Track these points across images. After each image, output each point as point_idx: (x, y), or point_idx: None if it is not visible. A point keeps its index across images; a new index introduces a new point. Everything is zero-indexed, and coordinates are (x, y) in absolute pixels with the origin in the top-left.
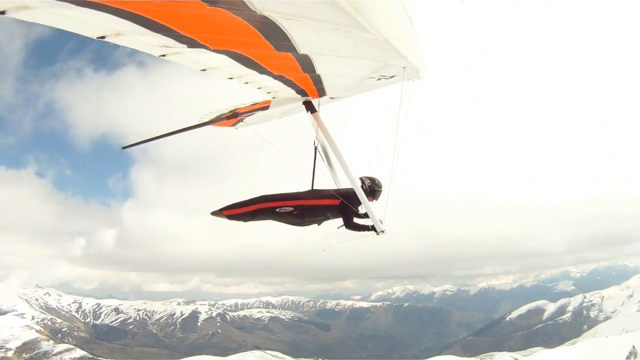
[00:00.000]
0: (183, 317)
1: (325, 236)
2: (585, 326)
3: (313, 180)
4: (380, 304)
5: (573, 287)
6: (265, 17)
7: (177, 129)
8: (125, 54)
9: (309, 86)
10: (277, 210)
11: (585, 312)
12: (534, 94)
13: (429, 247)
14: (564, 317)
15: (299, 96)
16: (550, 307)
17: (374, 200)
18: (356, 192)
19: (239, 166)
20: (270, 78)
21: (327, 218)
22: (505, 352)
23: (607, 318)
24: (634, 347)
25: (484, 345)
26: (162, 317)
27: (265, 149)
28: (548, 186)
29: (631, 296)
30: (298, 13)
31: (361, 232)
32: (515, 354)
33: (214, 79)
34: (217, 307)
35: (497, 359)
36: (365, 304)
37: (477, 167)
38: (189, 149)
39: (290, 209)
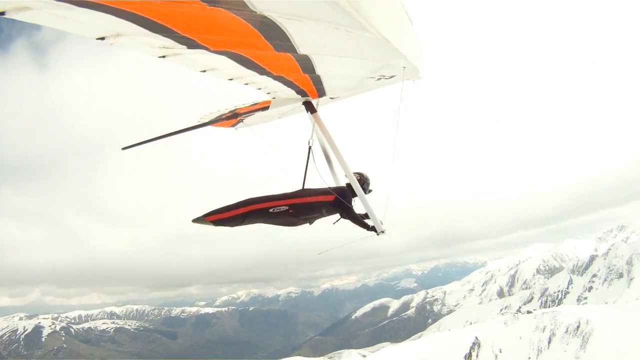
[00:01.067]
0: (26, 332)
1: (164, 242)
2: (430, 320)
3: (304, 180)
4: (226, 309)
5: (415, 284)
6: (265, 17)
7: (177, 130)
8: None
9: (308, 86)
10: (271, 210)
11: (428, 307)
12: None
13: (271, 250)
14: (408, 312)
15: (299, 96)
16: (394, 304)
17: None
18: (356, 191)
19: (77, 170)
20: (270, 79)
21: (323, 215)
22: (352, 350)
23: (450, 311)
24: (476, 338)
25: (332, 344)
26: (4, 334)
27: (106, 151)
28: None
29: (472, 290)
30: (298, 13)
31: (362, 230)
32: (362, 351)
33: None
34: (60, 320)
35: (345, 357)
36: (210, 310)
37: None
38: (24, 151)
39: (285, 208)
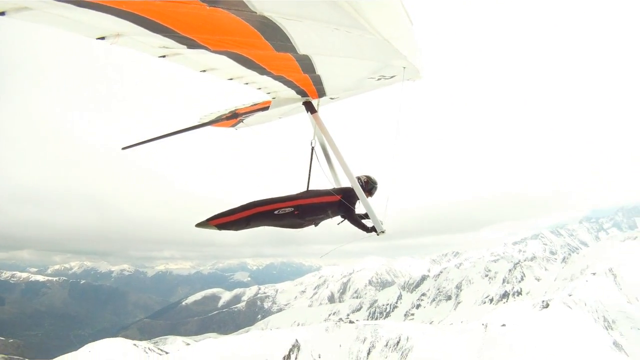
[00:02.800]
0: None
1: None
2: (260, 316)
3: (309, 181)
4: (57, 278)
5: (249, 279)
6: (265, 17)
7: (177, 130)
8: None
9: (309, 87)
10: (276, 212)
11: (259, 302)
12: None
13: (109, 224)
14: (238, 306)
15: (299, 97)
16: (226, 295)
17: (369, 197)
18: (356, 191)
19: None
20: (270, 79)
21: (328, 216)
22: (178, 337)
23: (280, 310)
24: (297, 340)
25: (160, 328)
26: None
27: None
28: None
29: (304, 292)
30: (298, 13)
31: (362, 231)
32: (188, 339)
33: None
34: None
35: (170, 343)
36: (41, 278)
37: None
38: None
39: (291, 209)
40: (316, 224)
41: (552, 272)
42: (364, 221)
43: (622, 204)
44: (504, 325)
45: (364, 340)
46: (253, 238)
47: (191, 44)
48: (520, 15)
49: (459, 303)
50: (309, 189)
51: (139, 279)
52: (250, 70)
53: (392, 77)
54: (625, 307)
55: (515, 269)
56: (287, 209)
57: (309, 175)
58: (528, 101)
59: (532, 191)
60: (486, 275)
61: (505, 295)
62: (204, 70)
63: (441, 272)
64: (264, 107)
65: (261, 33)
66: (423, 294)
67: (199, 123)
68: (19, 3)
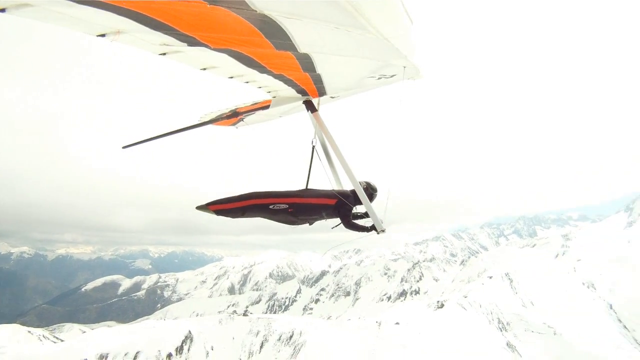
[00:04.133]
0: None
1: None
2: (159, 305)
3: (308, 180)
4: None
5: (150, 266)
6: (266, 16)
7: (177, 129)
8: None
9: (309, 85)
10: (271, 207)
11: (159, 291)
12: None
13: (10, 203)
14: (138, 294)
15: (299, 95)
16: (126, 283)
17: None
18: (357, 191)
19: None
20: (270, 77)
21: (322, 218)
22: (75, 324)
23: (179, 299)
24: (190, 332)
25: (59, 314)
26: None
27: None
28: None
29: (204, 282)
30: (298, 12)
31: (360, 233)
32: (85, 327)
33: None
34: None
35: (67, 330)
36: None
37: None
38: None
39: (285, 206)
40: (310, 223)
41: (451, 273)
42: (362, 220)
43: (524, 212)
44: (397, 323)
45: (257, 333)
46: (156, 225)
47: (192, 42)
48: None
49: (357, 299)
50: (309, 188)
51: (39, 262)
52: (250, 69)
53: (392, 76)
54: (520, 310)
55: (414, 268)
56: (281, 205)
57: (309, 174)
58: (439, 109)
59: (437, 196)
60: (385, 274)
61: (403, 293)
62: (205, 68)
63: (341, 268)
64: (265, 106)
65: (261, 31)
66: (322, 289)
67: (199, 122)
68: (20, 0)
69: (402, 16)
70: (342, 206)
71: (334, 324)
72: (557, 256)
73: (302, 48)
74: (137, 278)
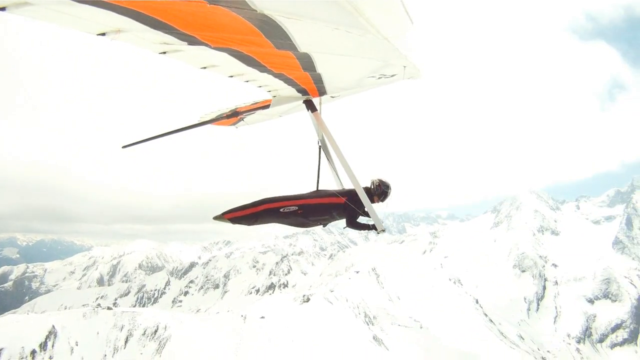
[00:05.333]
0: None
1: None
2: (27, 297)
3: (318, 181)
4: None
5: (18, 255)
6: (266, 16)
7: (177, 128)
8: None
9: (309, 85)
10: (282, 210)
11: (27, 282)
12: None
13: None
14: (5, 285)
15: (300, 95)
16: None
17: (379, 202)
18: (357, 191)
19: None
20: (270, 76)
21: (333, 218)
22: None
23: (48, 291)
24: (53, 326)
25: None
26: None
27: None
28: None
29: (73, 273)
30: (298, 12)
31: (362, 231)
32: None
33: None
34: None
35: None
36: None
37: None
38: None
39: (295, 208)
40: (324, 225)
41: (319, 267)
42: (365, 219)
43: (394, 209)
44: (263, 317)
45: (122, 328)
46: (23, 210)
47: (192, 41)
48: None
49: (226, 292)
50: (320, 189)
51: None
52: (250, 68)
53: (392, 75)
54: (387, 305)
55: (282, 261)
56: (291, 208)
57: (318, 174)
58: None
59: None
60: (254, 267)
61: (271, 287)
62: (205, 67)
63: (210, 260)
64: (265, 106)
65: (261, 31)
66: (191, 281)
67: (199, 121)
68: None
69: (402, 16)
70: (349, 206)
71: (200, 318)
72: (424, 252)
73: (302, 47)
74: (4, 268)
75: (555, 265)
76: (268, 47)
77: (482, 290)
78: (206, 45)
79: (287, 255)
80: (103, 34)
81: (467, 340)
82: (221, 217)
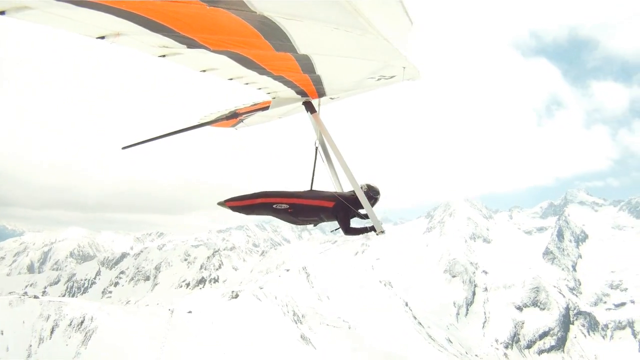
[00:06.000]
0: None
1: None
2: None
3: (312, 181)
4: None
5: None
6: (265, 17)
7: (177, 130)
8: None
9: (308, 87)
10: (274, 206)
11: None
12: None
13: None
14: None
15: (299, 97)
16: None
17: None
18: (357, 193)
19: None
20: (270, 79)
21: (321, 220)
22: None
23: None
24: None
25: None
26: None
27: None
28: None
29: (3, 258)
30: (297, 13)
31: (359, 235)
32: None
33: None
34: None
35: None
36: None
37: None
38: None
39: (286, 206)
40: (314, 224)
41: (250, 263)
42: (363, 222)
43: None
44: (190, 312)
45: (48, 318)
46: None
47: (191, 44)
48: None
49: (156, 285)
50: (314, 189)
51: None
52: (250, 70)
53: (392, 77)
54: (316, 304)
55: (214, 256)
56: (283, 205)
57: (313, 175)
58: None
59: (241, 184)
60: (185, 260)
61: (202, 281)
62: (204, 70)
63: (142, 251)
64: (264, 107)
65: (261, 33)
66: (122, 272)
67: (198, 123)
68: (19, 2)
69: (402, 17)
70: (339, 210)
71: (127, 311)
72: (357, 254)
73: (302, 49)
74: None
75: (485, 272)
76: (267, 49)
77: (413, 294)
78: (205, 48)
79: (219, 250)
80: (102, 37)
81: (395, 342)
82: (223, 203)
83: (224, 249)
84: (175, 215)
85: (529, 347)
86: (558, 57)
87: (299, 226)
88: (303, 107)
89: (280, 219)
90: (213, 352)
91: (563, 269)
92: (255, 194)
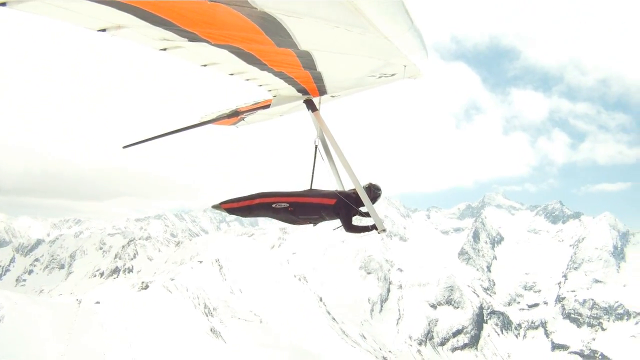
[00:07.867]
0: None
1: None
2: None
3: (312, 179)
4: None
5: None
6: (266, 13)
7: (178, 128)
8: None
9: (309, 84)
10: (274, 206)
11: None
12: None
13: None
14: None
15: (300, 94)
16: None
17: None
18: (358, 191)
19: None
20: (271, 75)
21: (323, 218)
22: None
23: None
24: None
25: None
26: None
27: None
28: None
29: None
30: (298, 10)
31: (361, 233)
32: None
33: None
34: None
35: None
36: None
37: None
38: None
39: (286, 205)
40: (314, 224)
41: (166, 254)
42: (364, 220)
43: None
44: (98, 302)
45: None
46: None
47: (192, 37)
48: None
49: (70, 273)
50: (314, 188)
51: None
52: (251, 66)
53: (392, 75)
54: (228, 297)
55: (129, 245)
56: (282, 204)
57: (312, 173)
58: None
59: (163, 172)
60: (101, 248)
61: (116, 270)
62: (205, 65)
63: (57, 238)
64: (265, 106)
65: (262, 29)
66: (37, 259)
67: (200, 121)
68: None
69: (403, 15)
70: (341, 208)
71: (35, 300)
72: (273, 247)
73: (303, 45)
74: None
75: (400, 270)
76: (269, 44)
77: (327, 289)
78: (206, 41)
79: (134, 239)
80: (103, 30)
81: (308, 338)
82: (218, 206)
83: (140, 239)
84: (96, 202)
85: (442, 344)
86: (478, 63)
87: (294, 226)
88: (304, 105)
89: (280, 219)
90: (119, 343)
91: (478, 269)
92: (252, 195)
